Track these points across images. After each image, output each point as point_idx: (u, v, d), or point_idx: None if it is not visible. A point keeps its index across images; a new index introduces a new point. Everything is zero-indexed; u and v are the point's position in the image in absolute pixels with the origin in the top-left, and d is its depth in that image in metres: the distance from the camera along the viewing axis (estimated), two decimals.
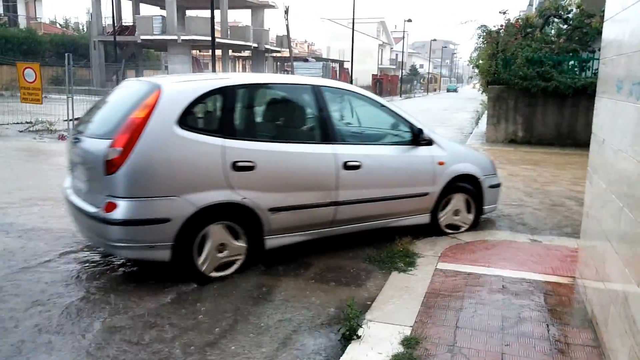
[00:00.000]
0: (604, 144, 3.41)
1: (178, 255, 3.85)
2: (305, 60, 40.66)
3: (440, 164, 5.14)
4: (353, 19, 34.55)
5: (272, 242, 4.33)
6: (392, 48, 79.79)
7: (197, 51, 41.72)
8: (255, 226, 4.17)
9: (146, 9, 38.90)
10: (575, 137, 12.76)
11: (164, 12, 34.13)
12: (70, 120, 12.85)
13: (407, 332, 3.25)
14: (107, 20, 34.92)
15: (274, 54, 44.96)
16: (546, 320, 3.44)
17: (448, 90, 77.72)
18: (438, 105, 34.35)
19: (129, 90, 4.43)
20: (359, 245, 4.97)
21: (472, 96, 50.30)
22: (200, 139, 3.90)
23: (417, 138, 5.03)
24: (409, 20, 54.40)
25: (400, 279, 4.15)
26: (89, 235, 4.25)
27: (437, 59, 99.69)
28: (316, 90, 4.66)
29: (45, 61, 31.62)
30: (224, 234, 4.06)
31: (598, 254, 3.35)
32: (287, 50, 34.64)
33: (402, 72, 57.68)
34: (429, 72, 78.48)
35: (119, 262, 4.44)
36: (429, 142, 5.11)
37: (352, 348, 3.06)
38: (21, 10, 41.39)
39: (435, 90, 75.75)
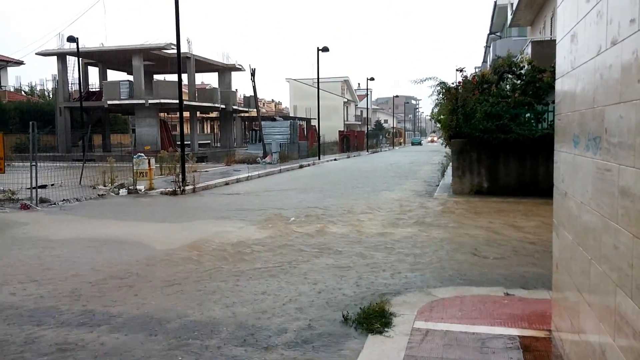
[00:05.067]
0: (567, 197, 3.50)
1: None
2: (273, 119, 41.16)
3: None
4: (318, 78, 35.58)
5: None
6: (356, 105, 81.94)
7: (165, 114, 41.90)
8: None
9: (113, 75, 39.23)
10: (538, 186, 13.11)
11: (131, 77, 34.43)
12: (34, 188, 12.47)
13: None
14: (73, 86, 34.92)
15: (242, 114, 45.53)
16: None
17: (413, 144, 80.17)
18: (405, 159, 35.02)
19: None
20: (335, 306, 4.87)
21: (435, 149, 51.89)
22: None
23: None
24: (372, 79, 56.35)
25: (377, 342, 4.05)
26: None
27: (401, 114, 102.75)
28: None
29: (9, 129, 31.19)
30: None
31: (571, 306, 3.36)
32: (255, 110, 35.18)
33: (367, 128, 59.01)
34: (393, 127, 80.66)
35: None
36: None
37: None
38: None
39: (400, 143, 77.63)
